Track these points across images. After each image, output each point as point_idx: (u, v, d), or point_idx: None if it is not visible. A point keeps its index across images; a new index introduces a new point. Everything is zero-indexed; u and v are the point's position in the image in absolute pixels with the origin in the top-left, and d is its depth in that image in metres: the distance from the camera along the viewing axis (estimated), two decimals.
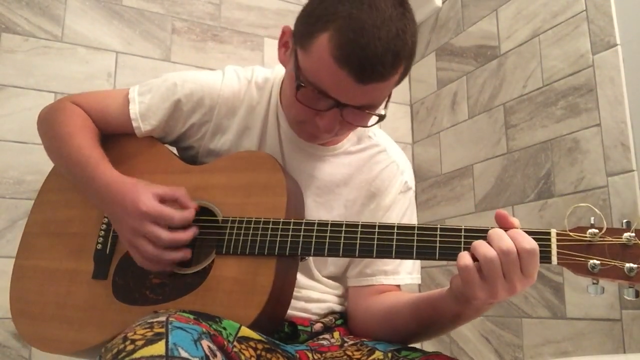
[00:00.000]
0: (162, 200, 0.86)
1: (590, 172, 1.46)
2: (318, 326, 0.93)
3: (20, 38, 1.68)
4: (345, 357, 0.84)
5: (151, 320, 0.66)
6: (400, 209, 1.00)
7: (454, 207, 1.98)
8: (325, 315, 0.97)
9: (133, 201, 0.85)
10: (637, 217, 0.72)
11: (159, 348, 0.60)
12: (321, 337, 0.93)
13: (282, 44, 0.92)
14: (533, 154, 1.66)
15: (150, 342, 0.61)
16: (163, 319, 0.66)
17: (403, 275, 0.97)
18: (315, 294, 0.97)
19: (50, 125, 1.02)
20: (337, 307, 1.00)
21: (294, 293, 0.88)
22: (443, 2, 2.15)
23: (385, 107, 0.87)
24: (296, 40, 0.84)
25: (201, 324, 0.68)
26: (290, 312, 0.89)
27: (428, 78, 2.20)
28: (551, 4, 1.64)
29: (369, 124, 0.88)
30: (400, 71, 0.82)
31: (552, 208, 1.57)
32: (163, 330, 0.63)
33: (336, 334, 0.95)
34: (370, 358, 0.81)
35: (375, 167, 1.00)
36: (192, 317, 0.69)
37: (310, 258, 0.96)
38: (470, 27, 1.98)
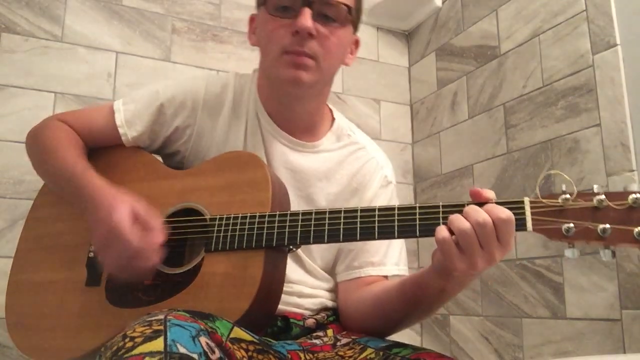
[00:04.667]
0: (136, 219, 0.83)
1: (590, 172, 1.46)
2: (310, 322, 0.95)
3: (20, 38, 1.68)
4: (337, 357, 0.85)
5: (150, 319, 0.67)
6: (383, 203, 1.03)
7: None
8: (318, 312, 0.99)
9: (108, 210, 0.84)
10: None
11: (157, 344, 0.61)
12: (314, 334, 0.94)
13: (251, 31, 1.03)
14: (533, 154, 1.66)
15: (149, 339, 0.62)
16: (162, 316, 0.67)
17: (389, 267, 1.00)
18: (307, 289, 0.98)
19: (36, 142, 1.04)
20: (330, 303, 1.01)
21: (286, 288, 0.90)
22: (443, 2, 2.15)
23: None
24: None
25: (198, 322, 0.69)
26: (283, 307, 0.91)
27: (428, 78, 2.20)
28: (551, 4, 1.64)
29: (342, 15, 0.94)
30: None
31: None
32: (162, 327, 0.64)
33: (329, 332, 0.96)
34: (362, 356, 0.82)
35: (356, 163, 1.04)
36: (188, 315, 0.70)
37: (300, 251, 0.98)
38: (470, 27, 1.98)
